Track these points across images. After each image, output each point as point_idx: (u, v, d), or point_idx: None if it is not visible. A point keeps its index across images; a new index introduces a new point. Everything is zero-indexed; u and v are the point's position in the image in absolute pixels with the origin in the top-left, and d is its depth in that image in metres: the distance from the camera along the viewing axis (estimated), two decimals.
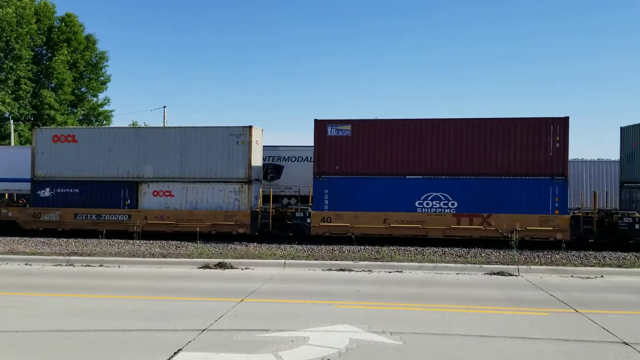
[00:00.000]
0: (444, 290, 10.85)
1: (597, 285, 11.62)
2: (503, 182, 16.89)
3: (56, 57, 37.93)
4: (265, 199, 18.99)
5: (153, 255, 15.03)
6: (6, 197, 21.96)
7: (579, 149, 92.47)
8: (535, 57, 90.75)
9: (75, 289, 10.81)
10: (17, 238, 18.16)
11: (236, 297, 9.80)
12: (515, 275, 12.53)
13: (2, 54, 35.87)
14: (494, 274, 12.64)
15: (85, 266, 13.75)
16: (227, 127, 18.57)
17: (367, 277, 12.21)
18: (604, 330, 7.69)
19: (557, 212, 16.67)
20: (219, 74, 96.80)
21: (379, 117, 18.79)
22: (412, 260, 14.08)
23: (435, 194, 17.19)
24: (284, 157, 22.47)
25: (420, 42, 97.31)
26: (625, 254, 15.25)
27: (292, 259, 14.27)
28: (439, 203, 17.20)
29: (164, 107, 42.20)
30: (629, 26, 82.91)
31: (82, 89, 41.58)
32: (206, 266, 13.36)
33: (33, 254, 15.06)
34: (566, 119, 16.73)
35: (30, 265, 13.82)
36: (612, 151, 61.80)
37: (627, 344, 7.00)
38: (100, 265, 13.80)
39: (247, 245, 16.59)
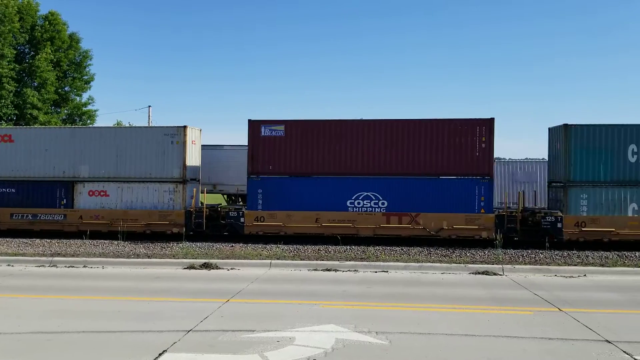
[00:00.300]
0: (430, 289, 10.90)
1: (581, 284, 11.75)
2: (431, 182, 17.28)
3: (39, 56, 37.49)
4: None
5: (138, 256, 14.92)
6: None
7: None
8: (535, 57, 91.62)
9: (59, 290, 10.70)
10: None
11: (222, 297, 9.76)
12: (500, 275, 12.63)
13: None
14: (479, 273, 12.73)
15: (69, 267, 13.61)
16: (161, 127, 18.76)
17: (353, 277, 12.23)
18: (587, 328, 7.78)
19: (482, 211, 17.03)
20: (219, 74, 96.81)
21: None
22: (397, 260, 14.13)
23: (366, 193, 17.46)
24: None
25: (420, 42, 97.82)
26: (608, 253, 15.45)
27: (278, 259, 14.25)
28: (370, 202, 17.47)
29: (149, 106, 41.99)
30: (629, 25, 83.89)
31: (66, 88, 41.12)
32: (191, 267, 13.29)
33: (15, 254, 14.87)
34: (491, 120, 17.12)
35: (12, 266, 13.64)
36: None
37: (609, 342, 7.08)
38: (84, 266, 13.66)
39: (232, 246, 16.53)
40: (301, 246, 16.44)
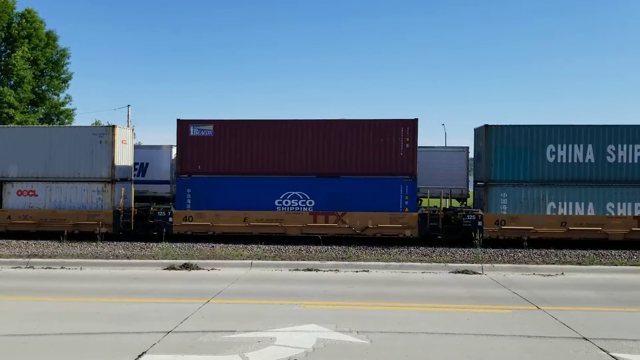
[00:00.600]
0: (410, 289, 10.96)
1: (558, 282, 11.91)
2: (357, 182, 17.53)
3: (15, 54, 36.84)
4: None
5: (117, 257, 14.75)
6: None
7: None
8: (535, 56, 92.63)
9: (36, 291, 10.53)
10: None
11: (202, 298, 9.69)
12: (480, 274, 12.74)
13: None
14: (459, 272, 12.82)
15: (46, 268, 13.41)
16: (90, 126, 18.92)
17: (334, 277, 12.24)
18: (565, 326, 7.88)
19: (407, 210, 17.34)
20: (218, 74, 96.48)
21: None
22: (378, 260, 14.17)
23: (294, 193, 17.67)
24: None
25: (421, 42, 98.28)
26: (585, 251, 15.68)
27: (258, 259, 14.21)
28: (298, 202, 17.68)
29: (128, 105, 41.54)
30: (628, 25, 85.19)
31: (43, 87, 40.47)
32: (171, 267, 13.18)
33: None
34: (415, 120, 17.44)
35: None
36: None
37: (586, 340, 7.19)
38: (62, 268, 13.46)
39: (213, 246, 16.44)
40: (282, 246, 16.42)
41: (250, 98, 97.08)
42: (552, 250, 15.77)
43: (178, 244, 16.61)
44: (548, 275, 12.62)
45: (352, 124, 17.62)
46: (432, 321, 8.13)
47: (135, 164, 20.82)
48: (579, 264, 14.02)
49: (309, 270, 13.07)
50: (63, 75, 41.42)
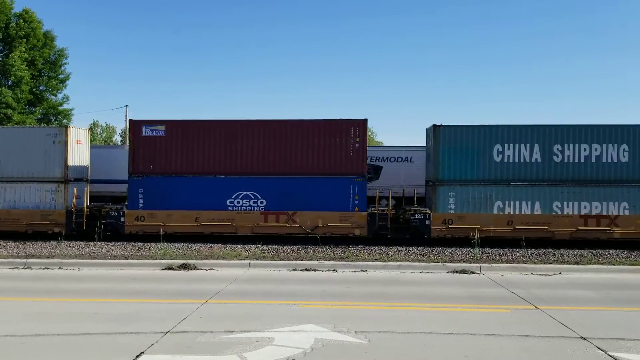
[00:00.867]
0: (408, 288, 10.96)
1: (556, 282, 11.93)
2: (307, 181, 17.65)
3: (13, 54, 36.78)
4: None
5: (115, 257, 14.74)
6: None
7: None
8: (535, 56, 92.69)
9: (33, 292, 10.51)
10: None
11: (200, 298, 9.69)
12: (478, 273, 12.76)
13: None
14: (457, 272, 12.84)
15: (44, 269, 13.39)
16: (43, 127, 19.02)
17: (332, 277, 12.24)
18: (563, 325, 7.90)
19: (356, 209, 17.47)
20: (218, 73, 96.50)
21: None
22: (376, 260, 14.18)
23: (245, 192, 17.79)
24: (383, 157, 22.55)
25: (421, 42, 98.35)
26: (583, 251, 15.70)
27: (257, 259, 14.21)
28: (249, 201, 17.79)
29: (126, 106, 41.53)
30: (627, 24, 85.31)
31: (41, 87, 40.41)
32: (169, 267, 13.17)
33: None
34: (364, 121, 17.60)
35: None
36: None
37: (584, 339, 7.20)
38: (60, 268, 13.45)
39: (211, 247, 16.43)
40: (280, 246, 16.42)
41: (250, 98, 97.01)
42: (550, 250, 15.78)
43: (176, 244, 16.60)
44: (546, 275, 12.64)
45: (303, 124, 17.79)
46: (430, 321, 8.13)
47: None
48: (577, 263, 14.04)
49: (307, 270, 13.08)
50: (61, 76, 41.37)
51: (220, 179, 17.81)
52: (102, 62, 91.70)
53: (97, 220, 18.32)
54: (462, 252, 15.57)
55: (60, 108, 41.33)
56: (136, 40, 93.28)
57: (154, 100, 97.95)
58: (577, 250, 15.83)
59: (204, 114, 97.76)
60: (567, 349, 6.80)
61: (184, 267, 13.14)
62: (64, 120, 41.63)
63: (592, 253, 15.40)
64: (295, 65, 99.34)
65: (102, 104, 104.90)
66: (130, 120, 18.01)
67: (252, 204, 17.75)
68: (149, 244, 16.76)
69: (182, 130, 17.90)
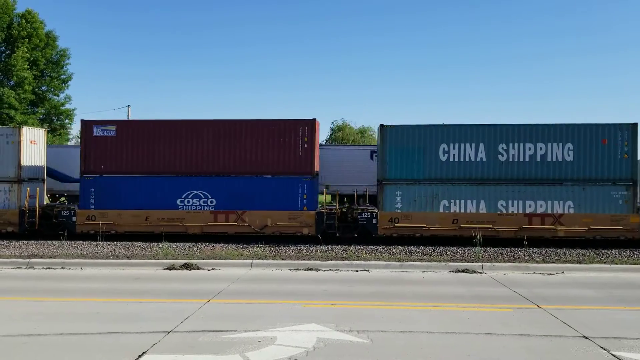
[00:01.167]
0: (411, 288, 10.95)
1: (559, 281, 11.91)
2: (256, 181, 17.83)
3: (15, 54, 36.83)
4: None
5: (117, 257, 14.76)
6: None
7: None
8: (535, 56, 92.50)
9: (36, 292, 10.53)
10: None
11: (203, 298, 9.69)
12: (480, 273, 12.74)
13: None
14: (459, 271, 12.82)
15: (47, 269, 13.41)
16: None
17: (334, 276, 12.24)
18: (565, 325, 7.88)
19: (305, 208, 17.60)
20: (218, 73, 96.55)
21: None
22: (378, 259, 14.17)
23: (195, 192, 17.93)
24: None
25: (421, 42, 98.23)
26: (585, 250, 15.67)
27: (259, 258, 14.21)
28: (199, 201, 17.93)
29: (128, 106, 41.52)
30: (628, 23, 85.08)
31: (43, 88, 40.48)
32: (172, 267, 13.18)
33: None
34: (313, 120, 17.78)
35: None
36: None
37: (587, 338, 7.19)
38: (62, 268, 13.47)
39: (213, 246, 16.44)
40: (282, 246, 16.43)
41: (252, 97, 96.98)
42: (553, 249, 15.76)
43: (178, 244, 16.62)
44: (548, 274, 12.62)
45: (252, 124, 17.91)
46: (432, 320, 8.13)
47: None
48: (580, 262, 14.02)
49: (310, 269, 13.08)
50: (63, 76, 41.44)
51: (171, 178, 17.98)
52: (104, 62, 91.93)
53: (51, 219, 18.46)
54: (464, 251, 15.55)
55: (62, 108, 41.42)
56: (138, 40, 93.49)
57: (156, 99, 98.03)
58: (580, 250, 15.81)
59: (205, 114, 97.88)
60: (569, 348, 6.79)
61: (186, 266, 13.15)
62: (66, 121, 41.73)
63: (594, 252, 15.37)
64: (295, 66, 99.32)
65: (104, 104, 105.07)
66: (81, 120, 18.20)
67: (202, 203, 17.91)
68: (151, 244, 16.78)
69: (132, 131, 18.09)
